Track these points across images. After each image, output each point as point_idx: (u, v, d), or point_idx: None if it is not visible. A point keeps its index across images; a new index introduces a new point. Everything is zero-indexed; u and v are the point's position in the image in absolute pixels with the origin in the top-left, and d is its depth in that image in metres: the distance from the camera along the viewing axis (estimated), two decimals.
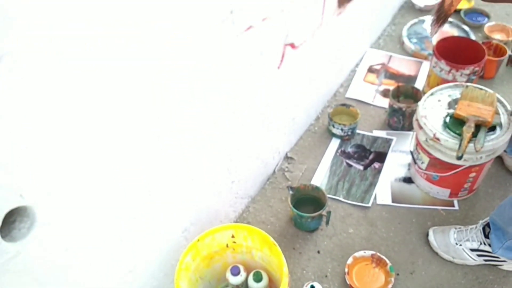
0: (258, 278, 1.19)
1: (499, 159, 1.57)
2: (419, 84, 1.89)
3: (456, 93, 1.41)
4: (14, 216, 0.75)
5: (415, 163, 1.49)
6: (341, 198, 1.54)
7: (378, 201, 1.53)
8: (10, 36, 0.61)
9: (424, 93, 1.69)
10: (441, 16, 0.73)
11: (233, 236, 1.20)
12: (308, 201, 1.46)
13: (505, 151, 1.49)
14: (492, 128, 1.30)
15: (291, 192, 1.45)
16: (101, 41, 0.75)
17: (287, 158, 1.68)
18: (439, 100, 1.40)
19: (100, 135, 0.84)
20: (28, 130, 0.70)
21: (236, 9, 1.07)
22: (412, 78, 1.92)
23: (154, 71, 0.90)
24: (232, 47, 1.12)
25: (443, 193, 1.48)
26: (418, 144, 1.43)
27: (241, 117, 1.29)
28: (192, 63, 1.00)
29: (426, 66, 1.94)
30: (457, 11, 2.11)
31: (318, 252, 1.41)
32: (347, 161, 1.66)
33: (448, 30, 2.05)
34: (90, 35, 0.73)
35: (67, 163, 0.79)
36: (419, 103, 1.39)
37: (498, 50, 1.88)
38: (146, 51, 0.86)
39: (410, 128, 1.70)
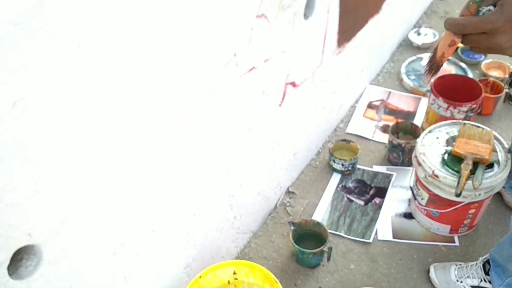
0: None
1: (499, 195, 1.59)
2: (418, 120, 1.92)
3: (454, 131, 1.44)
4: (21, 254, 0.77)
5: (415, 199, 1.51)
6: (342, 234, 1.55)
7: (379, 237, 1.54)
8: (23, 83, 0.65)
9: (423, 129, 1.72)
10: (433, 66, 0.77)
11: (234, 273, 1.21)
12: (309, 237, 1.48)
13: (503, 187, 1.50)
14: (490, 166, 1.32)
15: (292, 227, 1.46)
16: (112, 95, 0.79)
17: (288, 192, 1.70)
18: (437, 137, 1.43)
19: (103, 177, 0.87)
20: (37, 172, 0.72)
21: (239, 52, 1.11)
22: (411, 114, 1.96)
23: (156, 116, 0.94)
24: (235, 87, 1.16)
25: (444, 229, 1.49)
26: (417, 180, 1.45)
27: (243, 154, 1.32)
28: (195, 103, 1.04)
29: (424, 102, 1.98)
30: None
31: None
32: (348, 196, 1.67)
33: (446, 67, 2.10)
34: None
35: (73, 206, 0.81)
36: (418, 140, 1.42)
37: (495, 87, 1.92)
38: (151, 98, 0.90)
39: (409, 163, 1.72)
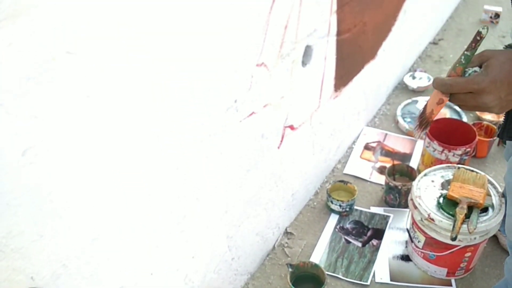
0: None
1: (494, 237, 1.60)
2: (414, 162, 1.96)
3: (449, 174, 1.47)
4: None
5: (412, 241, 1.52)
6: (340, 276, 1.55)
7: (377, 279, 1.54)
8: (33, 132, 0.69)
9: (419, 171, 1.76)
10: (423, 122, 0.80)
11: None
12: (307, 279, 1.48)
13: (499, 230, 1.52)
14: (485, 210, 1.35)
15: (290, 269, 1.46)
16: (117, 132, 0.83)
17: (286, 233, 1.71)
18: (432, 181, 1.45)
19: (103, 222, 0.89)
20: (41, 218, 0.75)
21: (240, 98, 1.16)
22: (407, 156, 2.00)
23: (158, 159, 0.97)
24: (236, 131, 1.20)
25: (440, 272, 1.49)
26: (414, 223, 1.47)
27: (242, 195, 1.34)
28: (196, 147, 1.07)
29: (420, 144, 2.02)
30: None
31: None
32: (346, 237, 1.68)
33: (441, 110, 2.14)
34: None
35: (75, 250, 0.83)
36: (414, 183, 1.45)
37: (489, 131, 1.97)
38: (154, 140, 0.93)
39: (406, 205, 1.74)
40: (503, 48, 0.94)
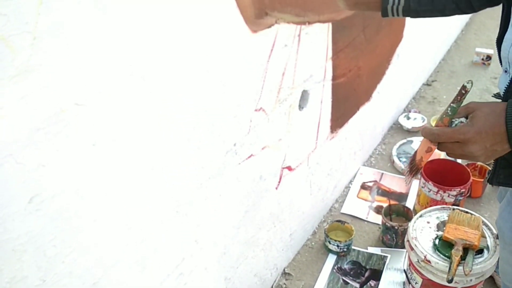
0: None
1: (491, 278, 1.61)
2: (410, 201, 1.98)
3: (444, 215, 1.49)
4: None
5: (410, 282, 1.53)
6: None
7: None
8: (40, 180, 0.71)
9: (415, 211, 1.78)
10: (413, 169, 0.84)
11: None
12: None
13: (495, 271, 1.53)
14: (480, 251, 1.36)
15: None
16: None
17: (284, 274, 1.71)
18: (428, 222, 1.47)
19: (105, 270, 0.90)
20: (45, 263, 0.77)
21: (239, 142, 1.19)
22: (404, 196, 2.02)
23: (159, 201, 0.99)
24: (234, 174, 1.22)
25: None
26: (411, 264, 1.48)
27: (240, 237, 1.36)
28: (195, 189, 1.10)
29: (416, 184, 2.05)
30: None
31: None
32: (344, 278, 1.69)
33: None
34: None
35: None
36: (410, 224, 1.47)
37: (483, 171, 2.00)
38: (157, 184, 0.96)
39: (403, 245, 1.75)
40: (492, 96, 0.99)
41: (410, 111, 2.48)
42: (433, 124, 2.31)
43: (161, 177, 0.96)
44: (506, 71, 0.86)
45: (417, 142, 2.24)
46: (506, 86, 0.84)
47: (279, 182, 1.49)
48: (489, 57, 2.88)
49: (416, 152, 0.82)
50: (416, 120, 2.40)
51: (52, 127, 0.71)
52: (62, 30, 0.67)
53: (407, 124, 2.38)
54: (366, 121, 2.04)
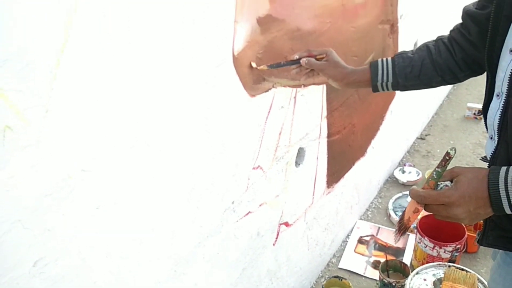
0: None
1: None
2: (407, 256, 1.98)
3: (440, 273, 1.50)
4: None
5: None
6: None
7: None
8: (45, 244, 0.74)
9: (412, 266, 1.78)
10: (401, 227, 0.87)
11: None
12: None
13: None
14: None
15: None
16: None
17: None
18: (424, 279, 1.48)
19: None
20: None
21: (237, 199, 1.22)
22: (401, 251, 2.02)
23: (159, 267, 1.01)
24: (232, 231, 1.24)
25: None
26: None
27: None
28: (193, 247, 1.12)
29: (413, 238, 2.06)
30: None
31: None
32: None
33: None
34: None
35: None
36: (406, 282, 1.48)
37: (479, 225, 2.02)
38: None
39: None
40: (480, 159, 1.03)
41: (405, 165, 2.53)
42: (427, 177, 2.35)
43: (160, 237, 0.99)
44: (491, 138, 0.91)
45: (412, 187, 2.27)
46: (492, 152, 0.88)
47: (277, 238, 1.51)
48: (480, 112, 2.96)
49: (404, 211, 0.86)
50: (411, 174, 2.44)
51: (59, 192, 0.74)
52: (73, 103, 0.72)
53: (402, 178, 2.41)
54: (362, 176, 2.08)
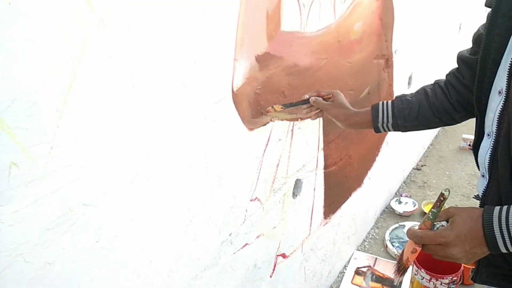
0: None
1: None
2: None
3: None
4: None
5: None
6: None
7: None
8: (47, 278, 0.75)
9: None
10: (400, 268, 0.88)
11: None
12: None
13: None
14: None
15: None
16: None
17: None
18: None
19: None
20: None
21: (234, 231, 1.23)
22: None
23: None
24: (229, 263, 1.25)
25: None
26: None
27: None
28: (190, 280, 1.12)
29: (409, 270, 2.05)
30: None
31: None
32: None
33: None
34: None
35: None
36: None
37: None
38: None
39: None
40: (473, 197, 1.05)
41: (401, 195, 2.55)
42: (425, 209, 2.36)
43: (158, 270, 0.99)
44: (483, 176, 0.93)
45: (409, 226, 2.28)
46: (484, 189, 0.91)
47: (274, 270, 1.51)
48: None
49: (403, 252, 0.87)
50: (407, 205, 2.45)
51: (61, 226, 0.75)
52: (77, 140, 0.74)
53: (399, 209, 2.43)
54: (359, 206, 2.09)
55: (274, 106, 1.19)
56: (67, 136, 0.73)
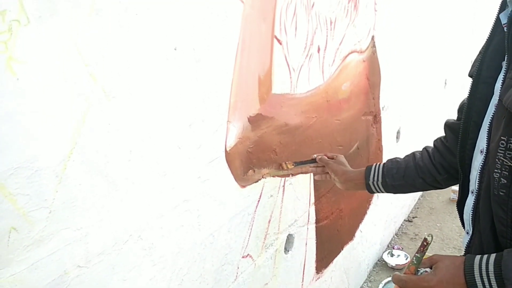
0: None
1: None
2: None
3: None
4: None
5: None
6: None
7: None
8: None
9: None
10: None
11: None
12: None
13: None
14: None
15: None
16: None
17: None
18: None
19: None
20: None
21: None
22: None
23: None
24: None
25: None
26: None
27: None
28: None
29: None
30: None
31: None
32: None
33: None
34: None
35: None
36: None
37: None
38: None
39: None
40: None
41: (393, 248, 2.55)
42: (408, 263, 2.36)
43: None
44: (468, 233, 0.97)
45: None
46: (467, 242, 0.95)
47: None
48: None
49: None
50: (399, 257, 2.45)
51: None
52: (75, 203, 0.77)
53: (391, 261, 2.42)
54: (351, 260, 2.09)
55: (286, 163, 1.34)
56: (66, 199, 0.75)
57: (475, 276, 0.80)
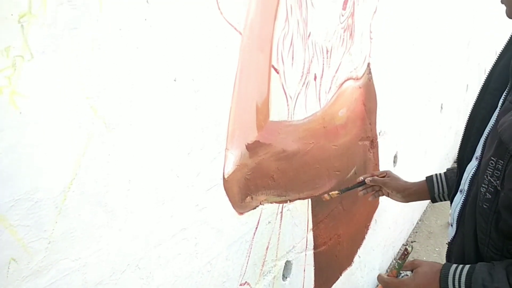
0: None
1: None
2: None
3: None
4: None
5: None
6: None
7: None
8: None
9: None
10: None
11: None
12: None
13: None
14: None
15: None
16: None
17: None
18: None
19: None
20: None
21: None
22: None
23: None
24: None
25: None
26: None
27: None
28: None
29: None
30: None
31: None
32: None
33: None
34: None
35: None
36: None
37: None
38: None
39: None
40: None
41: None
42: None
43: None
44: (452, 225, 1.03)
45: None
46: (451, 238, 1.02)
47: None
48: None
49: None
50: None
51: None
52: (74, 233, 0.78)
53: None
54: (350, 286, 2.08)
55: (330, 193, 1.29)
56: (65, 230, 0.76)
57: (449, 283, 0.89)
